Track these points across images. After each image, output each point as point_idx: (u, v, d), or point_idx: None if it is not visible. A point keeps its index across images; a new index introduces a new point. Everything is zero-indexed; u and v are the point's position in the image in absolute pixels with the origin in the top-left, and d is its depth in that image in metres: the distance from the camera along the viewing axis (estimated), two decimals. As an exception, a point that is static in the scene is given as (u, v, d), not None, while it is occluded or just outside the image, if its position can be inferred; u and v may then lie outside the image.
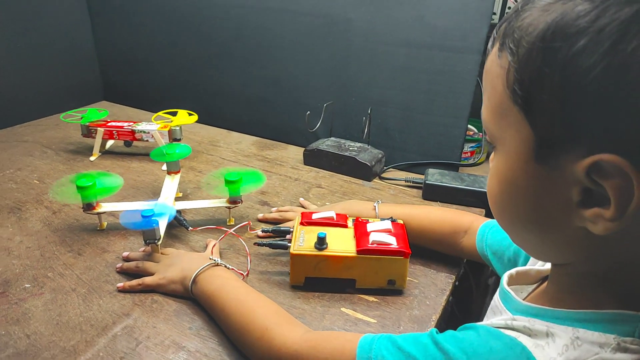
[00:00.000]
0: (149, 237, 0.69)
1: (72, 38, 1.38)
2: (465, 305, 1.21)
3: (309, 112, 1.08)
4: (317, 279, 0.68)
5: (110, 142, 1.15)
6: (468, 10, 0.93)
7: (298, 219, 0.74)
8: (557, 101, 0.28)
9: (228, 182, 0.77)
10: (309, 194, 0.97)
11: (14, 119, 1.28)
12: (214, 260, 0.66)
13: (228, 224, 0.83)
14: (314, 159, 1.08)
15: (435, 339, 0.38)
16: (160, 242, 0.70)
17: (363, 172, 1.02)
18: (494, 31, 0.35)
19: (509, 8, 1.22)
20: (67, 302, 0.65)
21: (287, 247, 0.70)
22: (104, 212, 0.79)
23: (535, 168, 0.32)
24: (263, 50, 1.18)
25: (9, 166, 1.04)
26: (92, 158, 1.09)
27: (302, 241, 0.69)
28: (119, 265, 0.71)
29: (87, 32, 1.42)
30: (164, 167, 1.05)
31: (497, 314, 0.41)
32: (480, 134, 1.18)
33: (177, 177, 0.86)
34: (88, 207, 0.77)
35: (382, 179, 1.04)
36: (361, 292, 0.68)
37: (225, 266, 0.67)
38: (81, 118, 1.08)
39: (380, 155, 1.05)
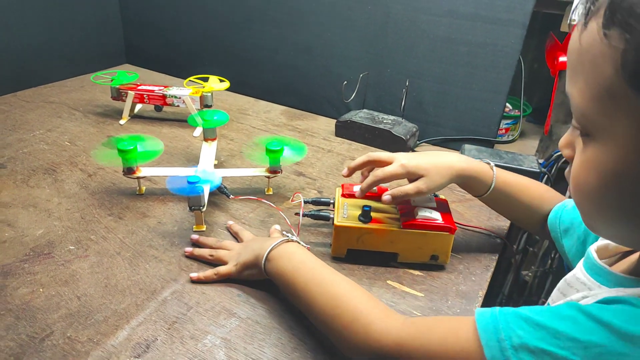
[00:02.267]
0: (195, 203, 0.68)
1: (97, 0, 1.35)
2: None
3: (345, 82, 1.06)
4: (359, 251, 0.68)
5: (139, 106, 1.13)
6: (516, -20, 0.90)
7: (339, 191, 0.73)
8: None
9: (269, 151, 0.76)
10: (344, 165, 0.95)
11: (37, 80, 1.25)
12: (288, 236, 0.60)
13: (266, 193, 0.83)
14: (346, 130, 1.06)
15: (586, 310, 0.34)
16: (204, 209, 0.70)
17: (397, 145, 1.00)
18: (588, 2, 0.32)
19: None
20: (114, 265, 0.64)
21: (329, 219, 0.70)
22: (143, 177, 0.78)
23: None
24: (296, 14, 1.15)
25: (38, 127, 1.03)
26: (122, 122, 1.07)
27: (346, 213, 0.68)
28: (188, 249, 0.67)
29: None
30: (196, 134, 1.04)
31: (581, 290, 0.41)
32: (517, 110, 1.15)
33: (214, 144, 0.85)
34: (129, 171, 0.76)
35: (414, 151, 1.03)
36: (403, 265, 0.68)
37: (299, 243, 0.61)
38: (112, 80, 1.06)
39: (414, 129, 1.04)
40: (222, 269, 0.63)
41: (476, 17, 0.95)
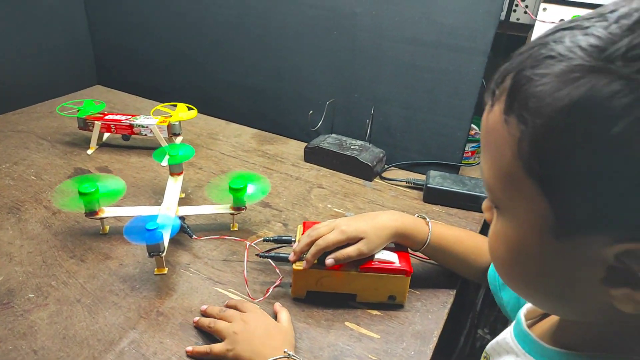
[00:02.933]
0: (154, 250, 0.68)
1: (66, 22, 1.34)
2: (461, 298, 1.23)
3: (311, 111, 1.06)
4: (318, 292, 0.69)
5: (107, 135, 1.13)
6: (476, 9, 0.91)
7: (300, 229, 0.74)
8: (586, 186, 0.27)
9: (233, 190, 0.77)
10: (311, 194, 0.96)
11: (6, 106, 1.24)
12: (288, 354, 0.57)
13: (232, 229, 0.83)
14: (315, 156, 1.07)
15: None
16: (164, 253, 0.70)
17: (364, 172, 1.02)
18: (493, 82, 0.32)
19: (516, 6, 1.20)
20: (73, 314, 0.65)
21: (288, 260, 0.70)
22: (106, 218, 0.79)
23: (551, 242, 0.30)
24: (265, 40, 1.15)
25: (5, 159, 1.02)
26: (89, 152, 1.07)
27: (305, 255, 0.68)
28: (195, 319, 0.64)
29: (81, 15, 1.37)
30: (164, 163, 1.04)
31: (509, 354, 0.42)
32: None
33: (180, 178, 0.86)
34: (91, 213, 0.76)
35: (382, 178, 1.04)
36: (362, 305, 0.69)
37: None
38: (78, 111, 1.05)
39: (381, 155, 1.05)
40: (215, 348, 0.59)
41: (439, 44, 0.97)
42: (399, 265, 0.66)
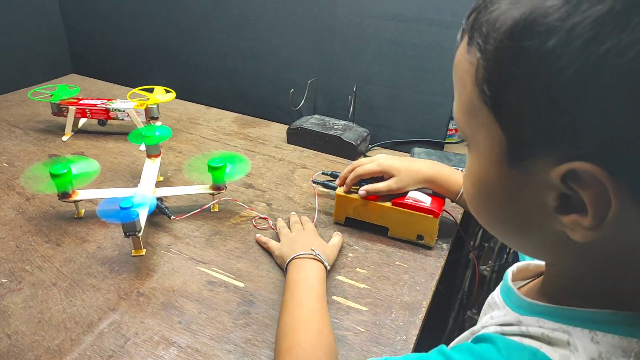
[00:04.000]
0: (130, 229, 0.66)
1: (39, 9, 1.29)
2: (449, 279, 1.23)
3: (292, 90, 1.04)
4: (357, 221, 0.77)
5: (82, 121, 1.09)
6: (457, -17, 0.90)
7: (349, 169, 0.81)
8: (527, 104, 0.27)
9: (212, 169, 0.75)
10: (294, 175, 0.95)
11: (-24, 95, 1.20)
12: (315, 253, 0.65)
13: (212, 210, 0.81)
14: (297, 137, 1.05)
15: (448, 357, 0.34)
16: (141, 233, 0.67)
17: (348, 151, 1.00)
18: (463, 21, 0.32)
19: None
20: (49, 298, 0.62)
21: (335, 188, 0.80)
22: (80, 200, 0.76)
23: (508, 171, 0.30)
24: (244, 20, 1.12)
25: (-26, 147, 0.98)
26: (64, 138, 1.03)
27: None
28: (259, 235, 0.75)
29: (53, 2, 1.32)
30: (142, 148, 1.01)
31: (494, 309, 0.41)
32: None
33: (158, 160, 0.83)
34: (63, 195, 0.73)
35: (367, 157, 1.03)
36: (349, 278, 0.68)
37: (323, 263, 0.65)
38: (51, 96, 1.01)
39: (365, 134, 1.03)
40: (271, 243, 0.72)
41: (422, 19, 0.95)
42: (429, 206, 0.71)
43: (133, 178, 0.90)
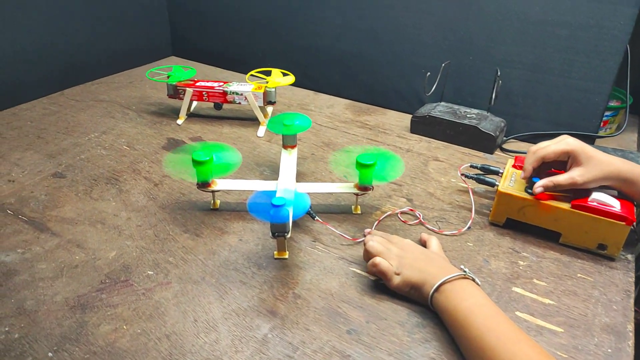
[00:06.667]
0: (279, 230, 0.58)
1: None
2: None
3: (429, 73, 0.95)
4: (518, 222, 0.68)
5: (194, 104, 1.05)
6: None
7: (510, 162, 0.74)
8: None
9: (361, 166, 0.66)
10: (428, 168, 0.86)
11: (83, 76, 1.18)
12: (465, 271, 0.54)
13: (354, 212, 0.73)
14: (424, 126, 0.96)
15: None
16: (289, 235, 0.60)
17: (485, 143, 0.90)
18: None
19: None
20: (200, 294, 0.57)
21: (494, 185, 0.72)
22: (218, 191, 0.70)
23: None
24: (361, -1, 1.04)
25: (92, 129, 0.96)
26: (179, 121, 0.99)
27: (513, 182, 0.69)
28: (367, 230, 0.67)
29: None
30: (260, 133, 0.95)
31: None
32: (616, 101, 1.03)
33: (295, 151, 0.76)
34: (203, 184, 0.68)
35: (504, 150, 0.92)
36: (531, 292, 0.59)
37: (474, 280, 0.54)
38: (168, 77, 0.98)
39: (502, 124, 0.93)
40: (381, 264, 0.56)
41: (578, -5, 0.83)
42: (619, 210, 0.60)
43: (258, 166, 0.85)
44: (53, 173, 0.81)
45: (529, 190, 0.66)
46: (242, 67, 1.24)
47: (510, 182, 0.69)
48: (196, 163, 0.66)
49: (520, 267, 0.63)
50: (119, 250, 0.64)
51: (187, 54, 1.38)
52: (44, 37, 1.07)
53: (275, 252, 0.64)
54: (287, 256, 0.63)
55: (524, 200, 0.66)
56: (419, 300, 0.56)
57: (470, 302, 0.50)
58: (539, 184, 0.64)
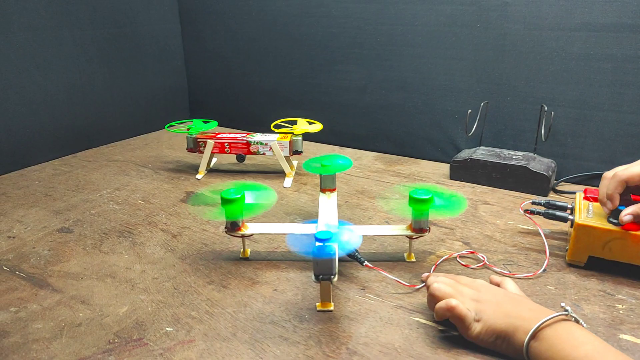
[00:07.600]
0: (324, 270, 0.48)
1: (165, 61, 1.26)
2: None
3: (470, 110, 0.89)
4: (602, 262, 0.57)
5: (214, 160, 0.99)
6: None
7: (580, 195, 0.65)
8: None
9: (415, 202, 0.57)
10: (478, 211, 0.76)
11: (97, 140, 1.14)
12: (567, 310, 0.43)
13: (408, 260, 0.62)
14: (465, 171, 0.88)
15: None
16: (335, 278, 0.49)
17: (537, 184, 0.81)
18: None
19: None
20: (232, 353, 0.45)
21: (566, 219, 0.63)
22: (249, 235, 0.61)
23: None
24: (386, 48, 1.01)
25: (104, 186, 0.89)
26: (198, 176, 0.92)
27: (591, 213, 0.59)
28: (425, 275, 0.55)
29: (178, 51, 1.30)
30: (286, 184, 0.88)
31: None
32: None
33: (334, 195, 0.67)
34: (232, 227, 0.59)
35: (557, 192, 0.83)
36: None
37: (578, 321, 0.43)
38: (188, 129, 0.92)
39: (552, 164, 0.85)
40: (460, 306, 0.45)
41: (620, 27, 0.79)
42: None
43: (287, 215, 0.76)
44: (59, 228, 0.72)
45: (614, 220, 0.56)
46: (263, 129, 1.20)
47: (588, 213, 0.59)
48: (225, 201, 0.57)
49: (621, 312, 0.51)
50: (132, 305, 0.53)
51: (205, 117, 1.35)
52: (60, 103, 1.04)
53: (317, 304, 0.53)
54: (332, 308, 0.52)
55: (609, 232, 0.55)
56: (508, 353, 0.44)
57: (586, 350, 0.39)
58: (627, 211, 0.54)
